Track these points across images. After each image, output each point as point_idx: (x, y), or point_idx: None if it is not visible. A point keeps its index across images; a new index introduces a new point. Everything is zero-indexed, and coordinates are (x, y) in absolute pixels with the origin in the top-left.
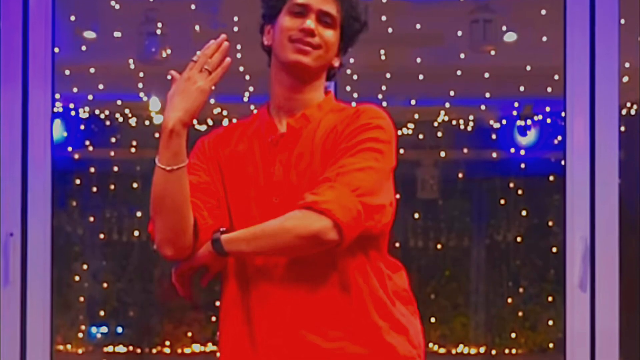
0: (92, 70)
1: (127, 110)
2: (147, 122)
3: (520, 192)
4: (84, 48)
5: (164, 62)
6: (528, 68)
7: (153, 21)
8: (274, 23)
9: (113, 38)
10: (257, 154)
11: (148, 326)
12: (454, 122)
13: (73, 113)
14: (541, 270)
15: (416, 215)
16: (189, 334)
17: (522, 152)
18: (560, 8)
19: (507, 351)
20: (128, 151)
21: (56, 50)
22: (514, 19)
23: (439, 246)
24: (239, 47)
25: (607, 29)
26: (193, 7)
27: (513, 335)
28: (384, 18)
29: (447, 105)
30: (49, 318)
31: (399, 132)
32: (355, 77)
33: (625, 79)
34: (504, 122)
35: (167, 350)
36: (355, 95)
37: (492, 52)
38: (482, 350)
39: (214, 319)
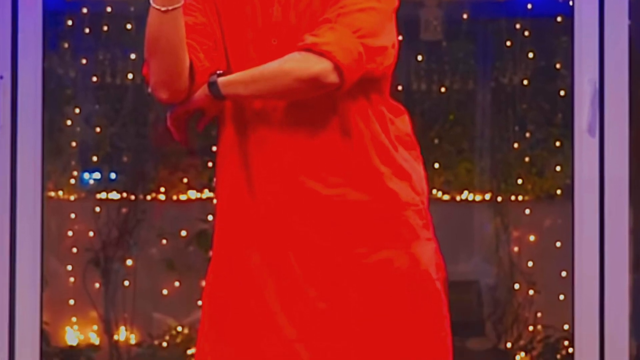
0: None
1: None
2: None
3: (526, 33)
4: None
5: None
6: None
7: None
8: None
9: None
10: None
11: (142, 172)
12: None
13: None
14: (548, 114)
15: (419, 58)
16: (185, 180)
17: None
18: None
19: (513, 198)
20: None
21: None
22: None
23: (442, 89)
24: None
25: None
26: None
27: (519, 181)
28: None
29: None
30: (40, 163)
31: None
32: None
33: None
34: None
35: (162, 197)
36: None
37: None
38: (487, 196)
39: (210, 164)
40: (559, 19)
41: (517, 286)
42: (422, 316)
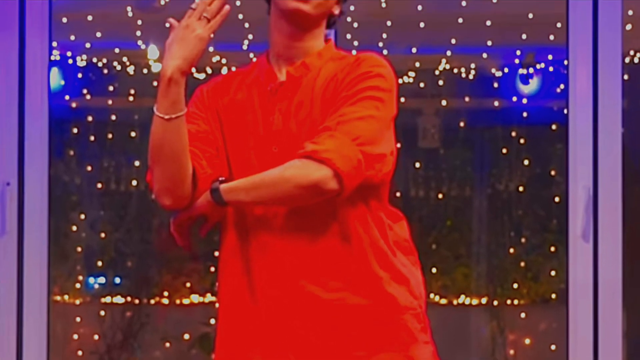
0: (89, 17)
1: (125, 59)
2: (145, 71)
3: (522, 141)
4: None
5: (162, 10)
6: (530, 16)
7: None
8: None
9: None
10: (256, 103)
11: (146, 277)
12: (455, 71)
13: (70, 61)
14: (543, 220)
15: (417, 165)
16: (188, 285)
17: (524, 101)
18: None
19: (509, 302)
20: (126, 100)
21: None
22: None
23: (440, 196)
24: None
25: None
26: None
27: (515, 285)
28: None
29: (449, 53)
30: (46, 268)
31: (400, 81)
32: (355, 24)
33: (629, 26)
34: (505, 70)
35: (165, 301)
36: (355, 43)
37: (494, 0)
38: (483, 301)
39: (213, 269)
40: (553, 127)
41: None
42: None
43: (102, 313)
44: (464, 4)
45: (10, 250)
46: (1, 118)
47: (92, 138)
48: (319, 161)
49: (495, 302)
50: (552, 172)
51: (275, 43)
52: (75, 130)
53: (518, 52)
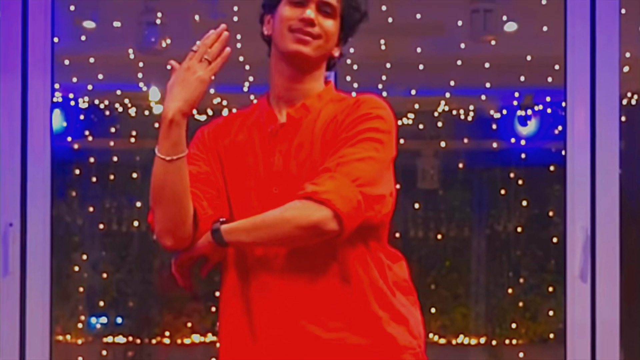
0: (91, 60)
1: (126, 100)
2: (146, 112)
3: (520, 182)
4: (83, 38)
5: (163, 52)
6: (529, 58)
7: (152, 11)
8: (273, 13)
9: (113, 28)
10: (257, 144)
11: (148, 317)
12: (454, 112)
13: (72, 103)
14: (542, 261)
15: (416, 206)
16: (189, 325)
17: (523, 142)
18: None
19: (507, 341)
20: (128, 141)
21: (56, 40)
22: (514, 8)
23: (439, 236)
24: (238, 36)
25: (607, 19)
26: None
27: (513, 325)
28: (384, 8)
29: (448, 95)
30: (49, 308)
31: (399, 122)
32: (355, 67)
33: (626, 68)
34: (504, 112)
35: (166, 341)
36: (355, 85)
37: (493, 42)
38: (482, 340)
39: (213, 309)
40: (551, 168)
41: None
42: None
43: (104, 353)
44: (462, 46)
45: (13, 291)
46: (4, 159)
47: (94, 179)
48: (319, 202)
49: (494, 342)
50: (550, 213)
51: (276, 85)
52: (77, 172)
53: (516, 94)
